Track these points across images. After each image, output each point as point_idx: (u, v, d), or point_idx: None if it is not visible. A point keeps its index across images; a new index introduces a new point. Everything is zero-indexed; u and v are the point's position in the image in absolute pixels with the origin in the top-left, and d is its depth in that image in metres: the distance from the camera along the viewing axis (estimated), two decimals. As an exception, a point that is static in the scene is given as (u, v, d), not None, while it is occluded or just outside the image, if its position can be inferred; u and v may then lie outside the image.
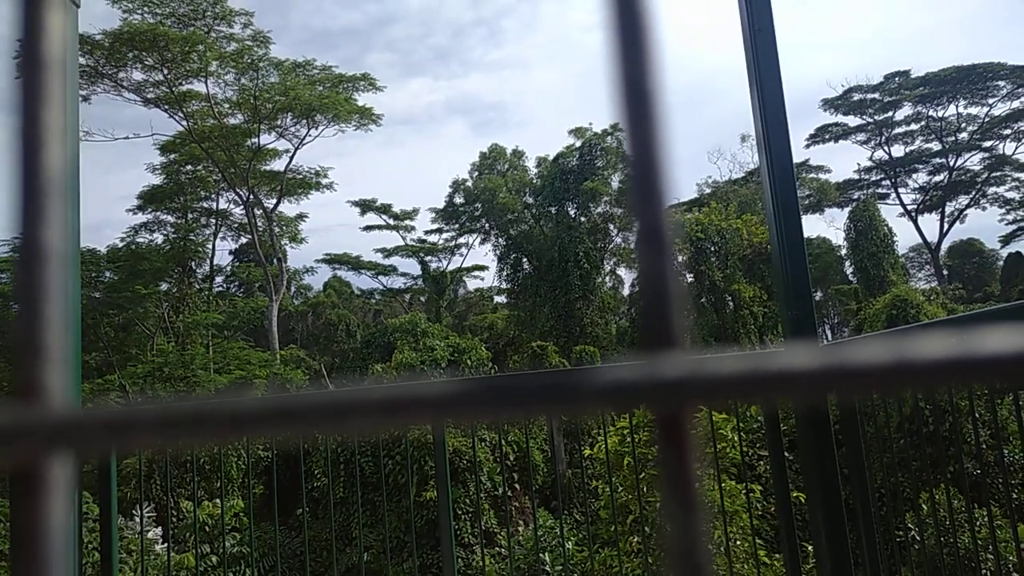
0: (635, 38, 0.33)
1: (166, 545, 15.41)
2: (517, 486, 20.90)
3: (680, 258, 27.97)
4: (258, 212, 34.25)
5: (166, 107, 30.64)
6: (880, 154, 43.50)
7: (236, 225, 36.51)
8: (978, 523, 9.70)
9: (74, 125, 3.78)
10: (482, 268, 43.08)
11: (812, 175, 43.22)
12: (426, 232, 42.51)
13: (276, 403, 0.31)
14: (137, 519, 14.92)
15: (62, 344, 0.30)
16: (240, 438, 0.30)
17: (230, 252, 39.74)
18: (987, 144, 41.50)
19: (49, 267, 0.30)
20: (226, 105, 31.42)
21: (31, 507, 0.29)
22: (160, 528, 16.56)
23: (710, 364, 0.31)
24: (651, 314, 0.33)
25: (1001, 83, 39.31)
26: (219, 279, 39.05)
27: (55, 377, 0.31)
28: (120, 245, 33.45)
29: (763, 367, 0.31)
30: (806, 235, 3.80)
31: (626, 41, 0.34)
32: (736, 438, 9.41)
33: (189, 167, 33.76)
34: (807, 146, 43.68)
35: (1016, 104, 39.79)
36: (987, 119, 40.79)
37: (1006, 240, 43.81)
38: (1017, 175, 42.26)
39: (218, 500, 17.17)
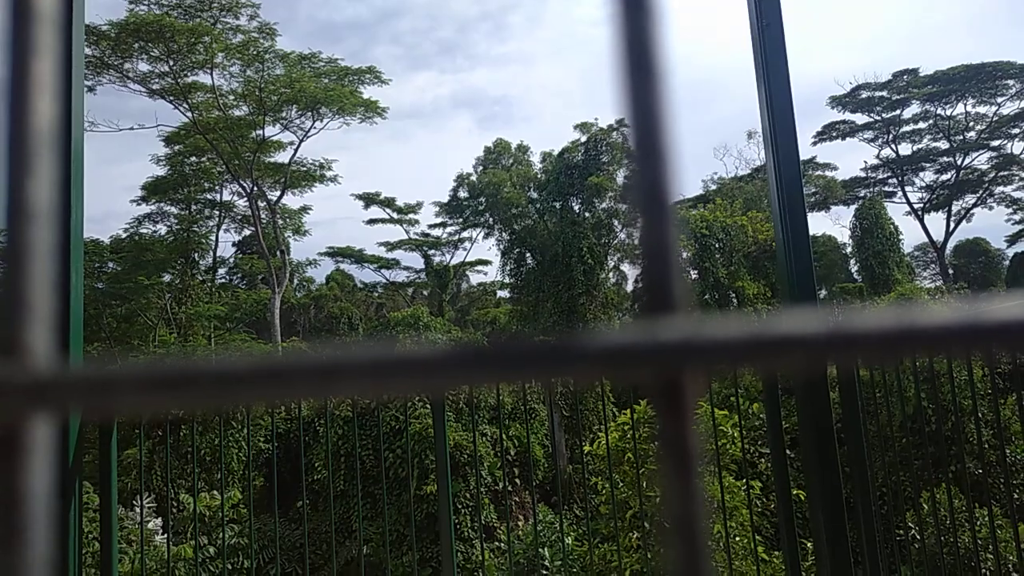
0: None
1: (166, 536, 15.47)
2: (517, 481, 20.91)
3: (685, 254, 27.94)
4: (262, 204, 34.25)
5: (171, 98, 30.64)
6: (887, 152, 43.38)
7: (240, 217, 36.53)
8: (979, 523, 9.68)
9: (79, 115, 3.78)
10: (485, 263, 43.10)
11: (818, 172, 43.12)
12: (430, 226, 42.54)
13: (265, 365, 0.30)
14: (137, 509, 14.97)
15: (46, 302, 0.29)
16: (227, 400, 0.29)
17: (233, 244, 39.77)
18: (995, 143, 41.36)
19: (35, 224, 0.29)
20: (231, 97, 31.42)
21: (11, 468, 0.28)
22: (160, 519, 16.62)
23: (711, 328, 0.31)
24: (652, 278, 0.33)
25: (1010, 82, 39.16)
26: (222, 271, 39.09)
27: (38, 335, 0.30)
28: (123, 236, 33.51)
29: (765, 332, 0.30)
30: (811, 233, 3.79)
31: None
32: (736, 434, 9.40)
33: (193, 158, 33.77)
34: (814, 143, 43.56)
35: (1024, 103, 39.68)
36: (995, 118, 40.64)
37: (1012, 240, 43.71)
38: (1024, 175, 42.16)
39: (216, 492, 17.21)
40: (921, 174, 43.44)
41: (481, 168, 38.61)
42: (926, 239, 43.62)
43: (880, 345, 0.30)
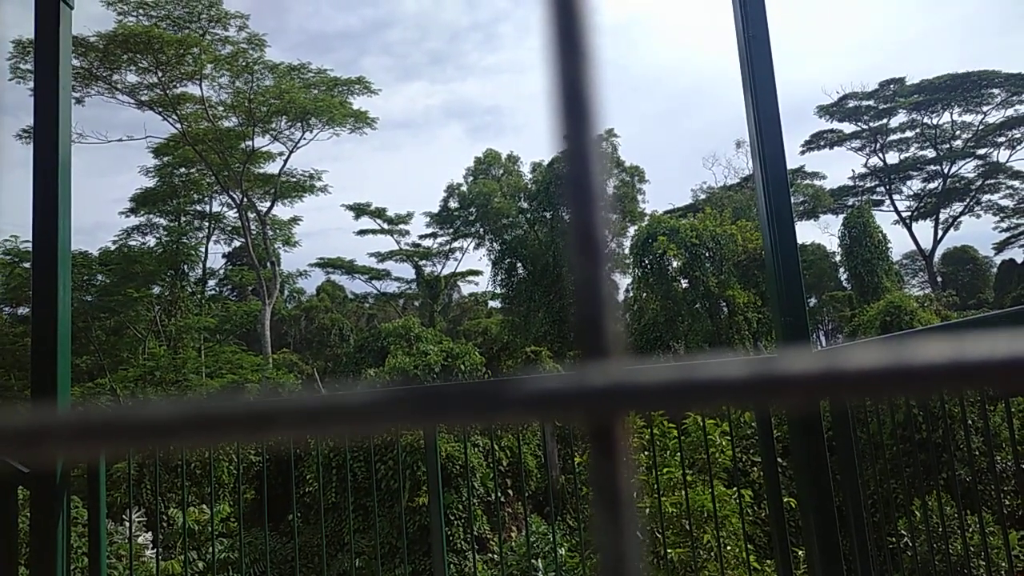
0: (572, 42, 0.33)
1: (155, 551, 15.35)
2: (510, 492, 20.85)
3: (675, 263, 27.98)
4: (251, 215, 34.16)
5: (160, 110, 30.56)
6: (875, 161, 43.68)
7: (229, 228, 36.41)
8: (970, 530, 9.69)
9: (67, 127, 3.76)
10: (476, 273, 43.10)
11: (807, 181, 43.31)
12: (420, 236, 42.49)
13: (195, 410, 0.30)
14: (127, 524, 14.83)
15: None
16: (156, 447, 0.29)
17: (223, 255, 39.67)
18: (981, 151, 41.71)
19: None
20: (220, 108, 31.36)
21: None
22: (150, 533, 16.48)
23: (639, 373, 0.31)
24: (585, 322, 0.33)
25: (995, 91, 39.53)
26: (212, 282, 38.93)
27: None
28: (112, 248, 33.32)
29: (693, 376, 0.31)
30: (801, 241, 3.82)
31: (562, 44, 0.34)
32: (725, 443, 9.40)
33: (183, 170, 33.68)
34: (802, 152, 43.83)
35: (1010, 112, 40.04)
36: (981, 127, 41.00)
37: (1000, 247, 44.06)
38: (1011, 183, 42.49)
39: (206, 506, 17.09)
40: (908, 182, 43.76)
41: (471, 178, 38.63)
42: (914, 247, 43.94)
43: (806, 389, 0.31)
